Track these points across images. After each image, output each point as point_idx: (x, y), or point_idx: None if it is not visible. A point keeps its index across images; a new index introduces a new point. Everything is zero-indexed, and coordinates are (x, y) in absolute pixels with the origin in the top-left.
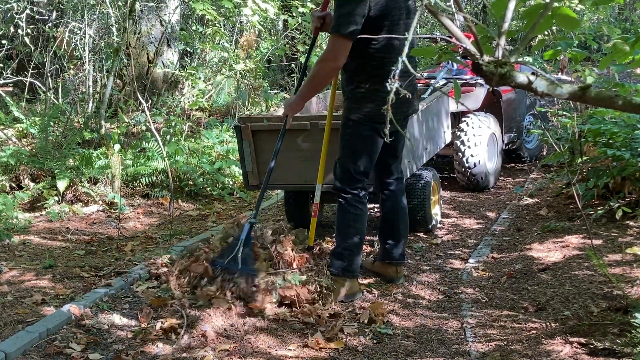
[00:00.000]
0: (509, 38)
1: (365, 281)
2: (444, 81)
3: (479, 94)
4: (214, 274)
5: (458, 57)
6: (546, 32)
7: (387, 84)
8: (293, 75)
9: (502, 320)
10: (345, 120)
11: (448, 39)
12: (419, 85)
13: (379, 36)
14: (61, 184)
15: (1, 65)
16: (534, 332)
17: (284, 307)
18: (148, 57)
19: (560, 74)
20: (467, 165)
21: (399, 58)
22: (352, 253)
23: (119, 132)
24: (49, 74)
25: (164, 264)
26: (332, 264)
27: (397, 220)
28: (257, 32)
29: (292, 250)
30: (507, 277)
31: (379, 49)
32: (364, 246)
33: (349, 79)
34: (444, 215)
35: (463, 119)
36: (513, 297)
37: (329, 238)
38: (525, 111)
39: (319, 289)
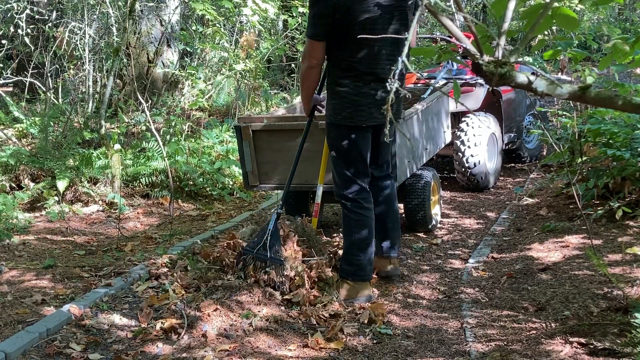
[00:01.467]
0: (509, 38)
1: None
2: (444, 81)
3: (479, 94)
4: (244, 263)
5: (458, 57)
6: (546, 32)
7: (388, 84)
8: (293, 75)
9: (502, 320)
10: (327, 125)
11: (448, 39)
12: (418, 85)
13: (378, 36)
14: (61, 184)
15: (1, 65)
16: (534, 332)
17: (288, 305)
18: (148, 57)
19: (560, 74)
20: (467, 165)
21: (399, 58)
22: (359, 257)
23: (119, 132)
24: (49, 74)
25: (164, 264)
26: (341, 268)
27: (386, 214)
28: (257, 32)
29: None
30: (507, 277)
31: (347, 53)
32: None
33: (326, 83)
34: (444, 215)
35: (463, 119)
36: (513, 297)
37: (328, 238)
38: (525, 111)
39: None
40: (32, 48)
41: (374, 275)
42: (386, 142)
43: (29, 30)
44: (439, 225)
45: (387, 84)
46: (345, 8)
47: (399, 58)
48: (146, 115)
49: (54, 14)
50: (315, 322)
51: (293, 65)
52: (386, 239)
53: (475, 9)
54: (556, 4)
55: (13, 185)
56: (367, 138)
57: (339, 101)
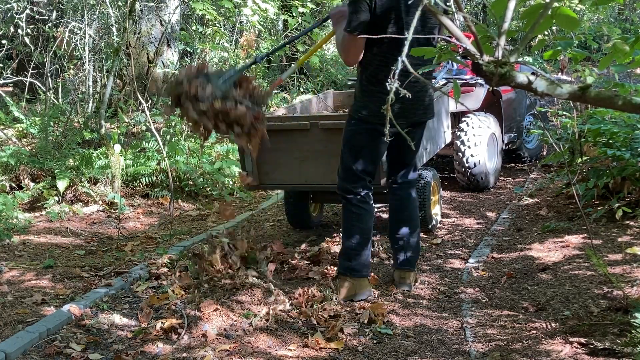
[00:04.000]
0: (509, 38)
1: None
2: (444, 81)
3: (479, 94)
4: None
5: (458, 57)
6: (546, 32)
7: (388, 84)
8: (293, 75)
9: (502, 320)
10: (348, 119)
11: (448, 39)
12: None
13: (381, 36)
14: (61, 184)
15: (1, 65)
16: (534, 332)
17: (289, 305)
18: (148, 57)
19: (560, 74)
20: (467, 165)
21: (399, 58)
22: (357, 253)
23: (119, 132)
24: (49, 74)
25: (164, 264)
26: (339, 264)
27: (396, 223)
28: (257, 32)
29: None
30: (507, 277)
31: (382, 49)
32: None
33: (357, 78)
34: (444, 215)
35: (463, 119)
36: (513, 297)
37: (328, 238)
38: (525, 111)
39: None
40: (32, 48)
41: (373, 275)
42: (405, 139)
43: (29, 30)
44: (439, 225)
45: (387, 83)
46: (384, 5)
47: (399, 58)
48: (146, 115)
49: (54, 14)
50: (315, 322)
51: (293, 65)
52: (396, 248)
53: (475, 9)
54: (556, 4)
55: (13, 185)
56: (382, 139)
57: (370, 99)
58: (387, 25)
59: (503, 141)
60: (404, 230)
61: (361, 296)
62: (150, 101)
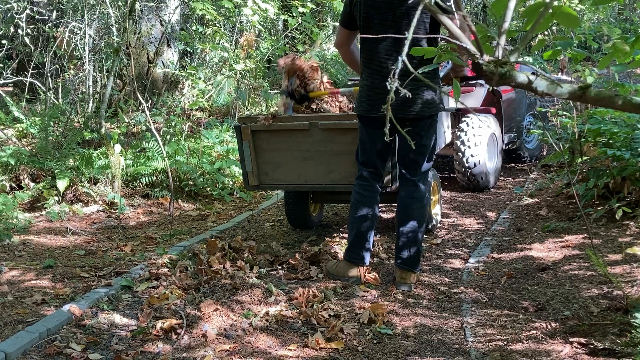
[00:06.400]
0: (509, 38)
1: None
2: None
3: (479, 94)
4: None
5: (457, 57)
6: (546, 32)
7: (363, 79)
8: None
9: (502, 320)
10: None
11: (448, 38)
12: None
13: (381, 36)
14: (61, 184)
15: (1, 65)
16: (534, 332)
17: (288, 304)
18: (148, 57)
19: (560, 74)
20: (467, 165)
21: (399, 58)
22: (349, 235)
23: (119, 132)
24: (49, 74)
25: (164, 264)
26: None
27: (399, 221)
28: (257, 32)
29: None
30: (507, 277)
31: (362, 47)
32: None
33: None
34: (444, 215)
35: (463, 119)
36: (513, 297)
37: (328, 238)
38: (525, 111)
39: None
40: (32, 48)
41: (375, 276)
42: (403, 135)
43: (29, 30)
44: (439, 225)
45: (387, 83)
46: (357, 2)
47: (399, 57)
48: (146, 115)
49: (54, 14)
50: (315, 322)
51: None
52: (397, 247)
53: (475, 9)
54: (556, 3)
55: (13, 185)
56: (373, 132)
57: (359, 93)
58: (362, 21)
59: (503, 141)
60: (404, 228)
61: (348, 280)
62: (150, 101)
